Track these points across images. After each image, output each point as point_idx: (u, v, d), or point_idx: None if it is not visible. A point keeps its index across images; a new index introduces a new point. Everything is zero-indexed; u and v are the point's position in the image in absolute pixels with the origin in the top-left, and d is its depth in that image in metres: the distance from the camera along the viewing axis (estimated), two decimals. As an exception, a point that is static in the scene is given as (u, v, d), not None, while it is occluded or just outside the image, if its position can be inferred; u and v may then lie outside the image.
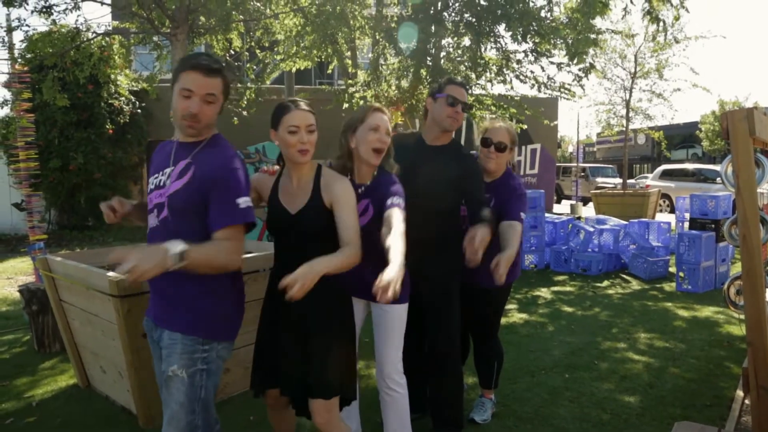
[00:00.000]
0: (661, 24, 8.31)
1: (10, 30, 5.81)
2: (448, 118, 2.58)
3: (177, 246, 1.59)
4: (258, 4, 6.97)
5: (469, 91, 8.95)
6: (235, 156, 1.87)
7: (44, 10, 5.68)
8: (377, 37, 8.96)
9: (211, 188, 1.78)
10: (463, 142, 14.21)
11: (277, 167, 2.20)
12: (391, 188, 2.18)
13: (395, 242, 1.90)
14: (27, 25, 5.93)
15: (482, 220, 2.40)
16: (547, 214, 8.19)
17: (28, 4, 5.63)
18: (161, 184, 1.88)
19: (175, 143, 1.93)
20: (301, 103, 2.02)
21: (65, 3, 5.76)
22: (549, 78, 8.66)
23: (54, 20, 6.07)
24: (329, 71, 13.61)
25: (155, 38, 7.13)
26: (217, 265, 1.73)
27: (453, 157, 2.62)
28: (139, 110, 12.13)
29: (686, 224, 8.26)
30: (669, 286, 6.37)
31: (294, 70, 10.33)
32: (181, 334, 1.82)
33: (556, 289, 6.30)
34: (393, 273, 1.75)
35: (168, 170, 1.87)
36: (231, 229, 1.76)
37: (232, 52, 9.00)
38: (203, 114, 1.80)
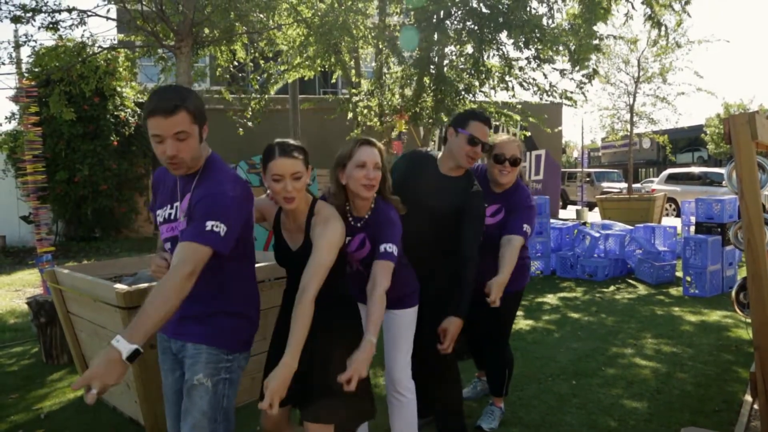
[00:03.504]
0: (663, 29, 8.33)
1: (17, 46, 5.88)
2: (467, 156, 2.54)
3: (124, 346, 1.50)
4: (261, 16, 7.02)
5: (473, 99, 9.04)
6: (222, 179, 1.80)
7: (51, 26, 5.76)
8: (380, 46, 9.02)
9: (191, 212, 1.76)
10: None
11: None
12: (386, 230, 2.13)
13: (373, 310, 1.95)
14: (34, 41, 5.97)
15: (457, 307, 2.45)
16: (552, 220, 8.18)
17: (35, 21, 5.71)
18: (171, 217, 1.89)
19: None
20: (289, 147, 1.91)
21: (71, 19, 5.83)
22: (551, 85, 8.69)
23: (60, 35, 6.15)
24: (333, 81, 13.71)
25: (160, 51, 7.19)
26: (174, 305, 1.62)
27: (463, 192, 2.58)
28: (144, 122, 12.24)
29: (692, 228, 8.23)
30: (676, 291, 6.34)
31: (296, 79, 10.40)
32: (206, 345, 1.85)
33: (562, 295, 6.28)
34: (362, 353, 1.86)
35: (177, 204, 1.88)
36: (189, 247, 1.67)
37: (236, 63, 9.07)
38: (181, 152, 1.73)
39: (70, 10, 5.81)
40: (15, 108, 10.10)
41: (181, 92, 1.75)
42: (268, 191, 2.16)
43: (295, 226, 2.04)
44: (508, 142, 2.81)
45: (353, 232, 2.24)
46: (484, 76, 8.56)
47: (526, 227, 2.71)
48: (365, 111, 9.27)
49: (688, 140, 32.98)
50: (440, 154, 2.71)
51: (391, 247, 2.09)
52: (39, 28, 5.78)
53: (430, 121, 8.94)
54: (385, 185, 2.22)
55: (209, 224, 1.69)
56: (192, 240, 1.68)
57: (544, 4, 8.13)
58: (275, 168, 1.89)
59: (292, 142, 1.97)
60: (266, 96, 10.37)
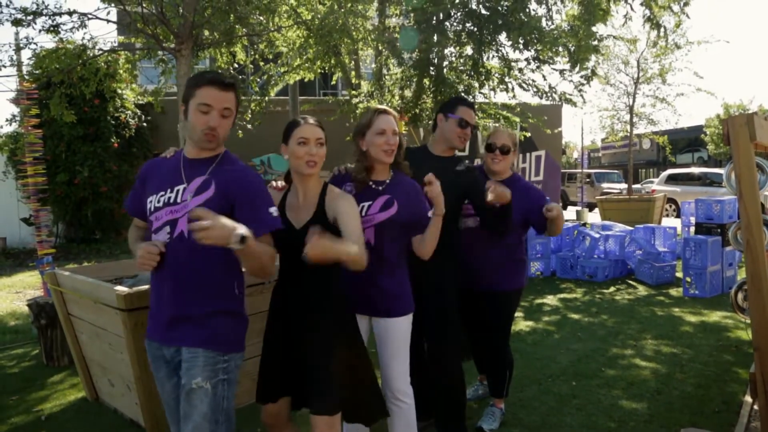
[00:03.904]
0: (662, 30, 8.35)
1: (18, 49, 5.89)
2: (458, 137, 2.76)
3: (242, 228, 1.65)
4: (261, 18, 7.02)
5: (473, 100, 9.07)
6: (253, 170, 1.96)
7: (52, 29, 5.76)
8: (380, 48, 9.03)
9: (242, 201, 1.85)
10: (467, 151, 14.25)
11: (284, 183, 2.26)
12: (421, 196, 2.34)
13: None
14: (35, 44, 6.00)
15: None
16: (552, 221, 8.17)
17: (36, 24, 5.71)
18: (172, 201, 1.88)
19: (180, 160, 1.94)
20: (311, 119, 2.10)
21: (72, 22, 5.84)
22: (550, 87, 8.70)
23: (61, 38, 6.16)
24: (333, 82, 13.73)
25: (160, 53, 7.19)
26: (263, 264, 1.78)
27: (459, 169, 2.76)
28: (144, 123, 12.25)
29: (692, 229, 8.24)
30: (676, 292, 6.34)
31: (296, 81, 10.41)
32: (202, 349, 1.84)
33: (562, 296, 6.29)
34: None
35: (180, 187, 1.89)
36: (268, 237, 1.85)
37: (236, 66, 9.08)
38: (221, 127, 1.87)
39: (70, 13, 5.81)
40: (16, 110, 10.12)
41: (232, 79, 1.93)
42: (270, 182, 2.26)
43: (304, 203, 2.10)
44: (500, 132, 3.02)
45: (374, 195, 2.35)
46: (483, 77, 8.58)
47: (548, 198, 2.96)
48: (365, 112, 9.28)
49: (687, 141, 33.01)
50: (430, 141, 2.92)
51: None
52: (40, 31, 5.79)
53: (430, 122, 8.94)
54: (400, 152, 2.39)
55: (272, 210, 1.88)
56: (271, 229, 1.86)
57: (543, 6, 8.15)
58: (301, 132, 2.04)
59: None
60: (266, 98, 10.39)
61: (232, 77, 1.93)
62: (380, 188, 2.36)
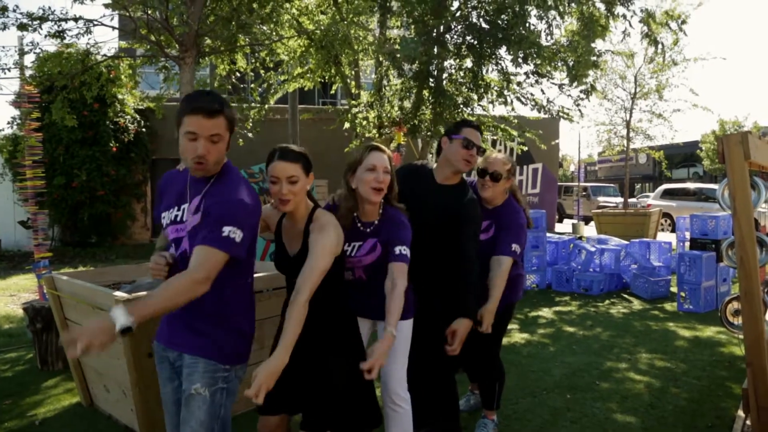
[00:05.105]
0: (660, 46, 8.45)
1: (22, 54, 5.91)
2: (463, 160, 2.61)
3: (121, 318, 1.55)
4: (264, 28, 7.08)
5: (471, 113, 9.13)
6: (240, 186, 1.84)
7: (57, 34, 5.79)
8: (380, 59, 9.10)
9: (206, 216, 1.78)
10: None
11: None
12: (399, 232, 2.22)
13: (393, 305, 2.06)
14: (40, 49, 6.02)
15: (466, 309, 2.51)
16: (548, 234, 8.22)
17: (42, 29, 5.75)
18: (178, 219, 1.90)
19: (188, 177, 1.94)
20: (288, 152, 1.99)
21: (77, 28, 5.87)
22: (549, 101, 8.79)
23: (66, 44, 6.20)
24: (332, 92, 13.80)
25: (163, 60, 7.23)
26: (179, 302, 1.69)
27: (459, 199, 2.64)
28: (143, 129, 12.27)
29: (687, 244, 8.28)
30: (670, 306, 6.37)
31: (296, 89, 10.47)
32: (203, 357, 1.85)
33: (557, 309, 6.31)
34: (384, 343, 1.98)
35: (185, 206, 1.89)
36: (206, 251, 1.71)
37: (237, 74, 9.13)
38: (210, 154, 1.79)
39: (76, 19, 5.85)
40: (16, 113, 10.12)
41: (221, 99, 1.83)
42: (272, 201, 2.22)
43: (295, 232, 2.07)
44: (495, 159, 2.87)
45: (363, 237, 2.29)
46: (482, 90, 8.66)
47: (515, 246, 2.75)
48: (364, 122, 9.33)
49: (683, 156, 33.19)
50: (435, 165, 2.77)
51: (406, 250, 2.17)
52: (45, 36, 5.82)
53: (429, 133, 9.01)
54: (392, 192, 2.29)
55: (226, 230, 1.73)
56: (209, 245, 1.72)
57: (544, 21, 8.25)
58: (272, 170, 1.98)
59: (294, 147, 2.04)
60: (266, 106, 10.43)
61: (220, 100, 1.81)
62: (368, 230, 2.30)
